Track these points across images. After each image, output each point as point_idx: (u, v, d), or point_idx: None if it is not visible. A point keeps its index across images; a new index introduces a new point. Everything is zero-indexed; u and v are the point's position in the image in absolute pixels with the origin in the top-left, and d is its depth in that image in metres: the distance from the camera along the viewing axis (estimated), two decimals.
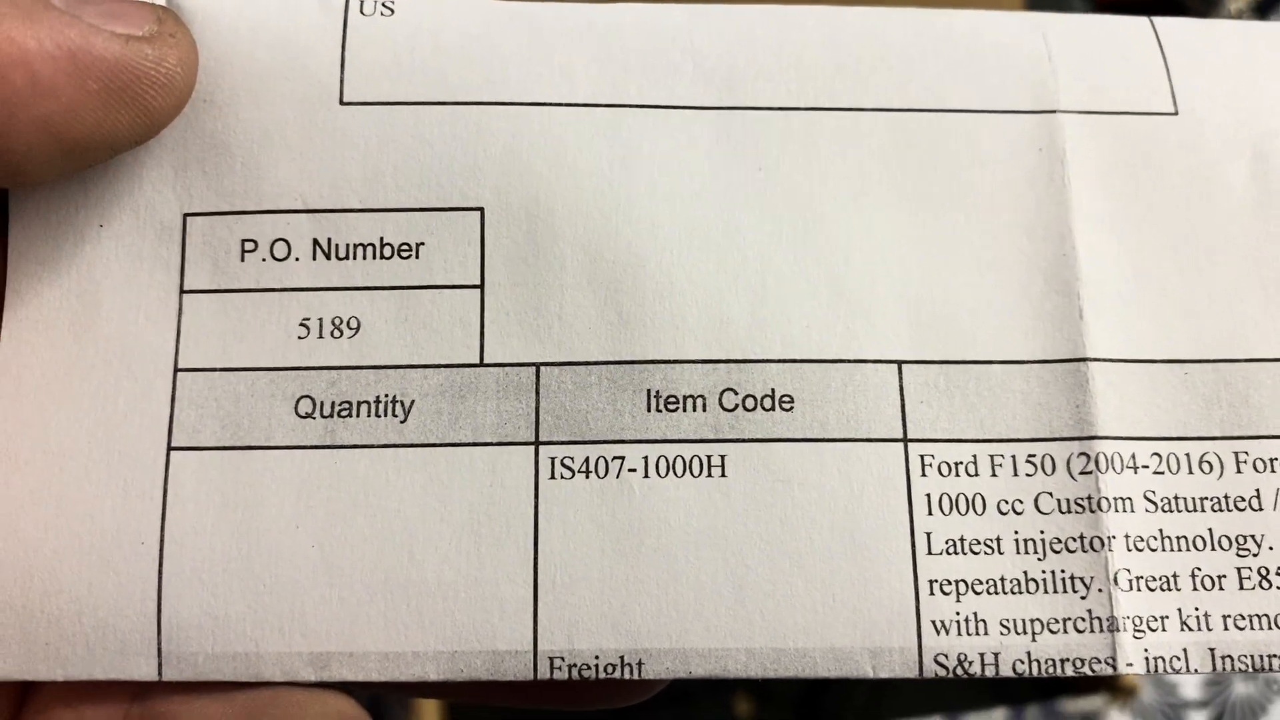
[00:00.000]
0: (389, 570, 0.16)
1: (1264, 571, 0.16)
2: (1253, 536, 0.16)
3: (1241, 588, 0.16)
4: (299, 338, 0.16)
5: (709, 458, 0.16)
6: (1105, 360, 0.16)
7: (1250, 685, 0.50)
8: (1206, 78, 0.18)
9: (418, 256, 0.17)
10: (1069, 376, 0.16)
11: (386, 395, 0.16)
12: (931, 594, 0.16)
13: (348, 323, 0.16)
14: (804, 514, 0.16)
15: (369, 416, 0.16)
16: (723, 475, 0.16)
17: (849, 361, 0.16)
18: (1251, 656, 0.16)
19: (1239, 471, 0.16)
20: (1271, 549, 0.16)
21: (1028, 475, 0.16)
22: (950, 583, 0.16)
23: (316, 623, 0.16)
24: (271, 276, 0.17)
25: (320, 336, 0.16)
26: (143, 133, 0.16)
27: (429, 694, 0.17)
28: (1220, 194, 0.17)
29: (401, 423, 0.16)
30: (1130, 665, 0.16)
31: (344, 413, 0.16)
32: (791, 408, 0.16)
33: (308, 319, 0.16)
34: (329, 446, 0.16)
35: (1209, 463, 0.16)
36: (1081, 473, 0.16)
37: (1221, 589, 0.16)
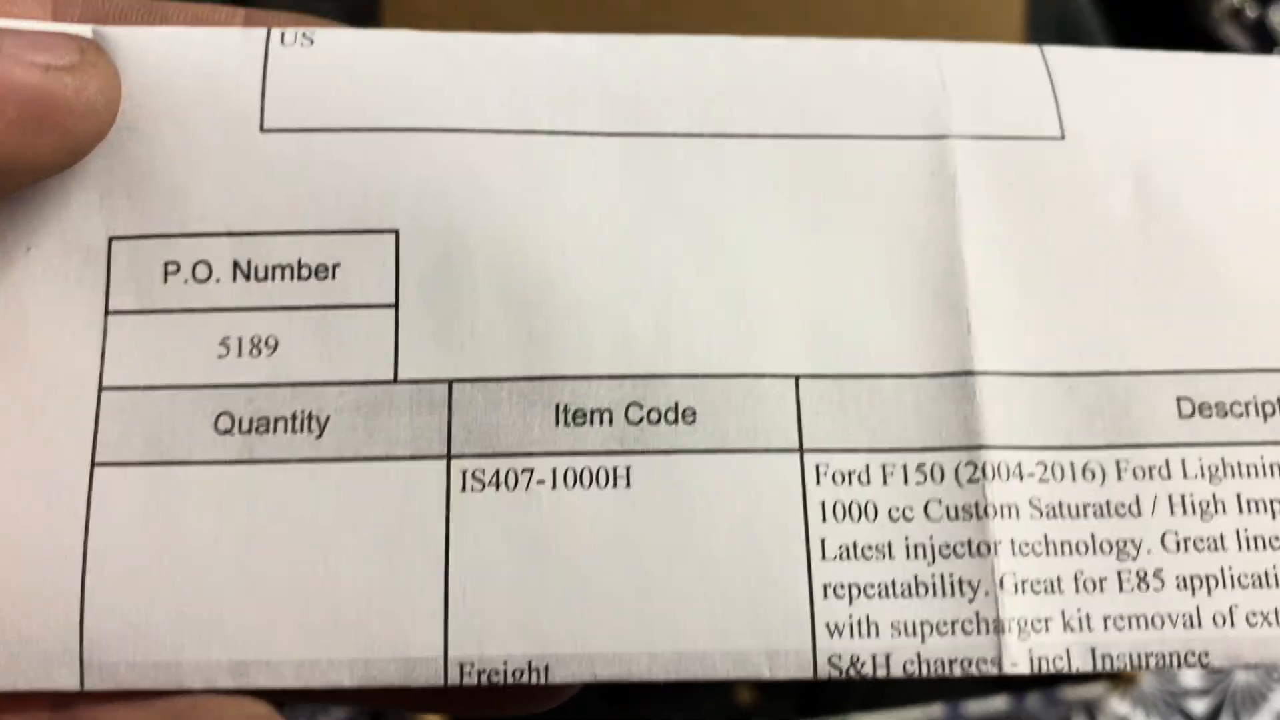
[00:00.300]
0: (305, 580, 0.16)
1: (1142, 574, 0.17)
2: (1132, 541, 0.17)
3: (1121, 590, 0.17)
4: (219, 356, 0.17)
5: (615, 469, 0.17)
6: (992, 374, 0.17)
7: (1251, 674, 0.50)
8: (1092, 103, 0.19)
9: (334, 277, 0.17)
10: (957, 389, 0.17)
11: (303, 411, 0.17)
12: (825, 598, 0.16)
13: (266, 341, 0.17)
14: (705, 522, 0.17)
15: (286, 432, 0.17)
16: (628, 486, 0.17)
17: (749, 376, 0.17)
18: (1131, 655, 0.16)
19: (1120, 479, 0.17)
20: (1150, 553, 0.17)
21: (918, 483, 0.17)
22: (844, 587, 0.16)
23: (235, 631, 0.16)
24: (193, 297, 0.17)
25: (239, 355, 0.17)
26: (65, 159, 0.16)
27: (347, 701, 0.17)
28: (1103, 215, 0.18)
29: (317, 438, 0.17)
30: (1015, 665, 0.16)
31: (262, 429, 0.17)
32: (694, 420, 0.17)
33: (228, 338, 0.17)
34: (247, 461, 0.17)
35: (1091, 471, 0.17)
36: (969, 481, 0.17)
37: (1102, 591, 0.17)
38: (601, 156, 0.18)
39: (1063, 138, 0.18)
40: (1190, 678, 0.50)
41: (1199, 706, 0.48)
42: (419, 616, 0.16)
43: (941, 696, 0.42)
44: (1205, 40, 0.52)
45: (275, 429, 0.17)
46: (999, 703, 0.43)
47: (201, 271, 0.17)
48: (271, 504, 0.16)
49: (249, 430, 0.17)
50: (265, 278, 0.17)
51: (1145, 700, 0.47)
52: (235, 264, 0.17)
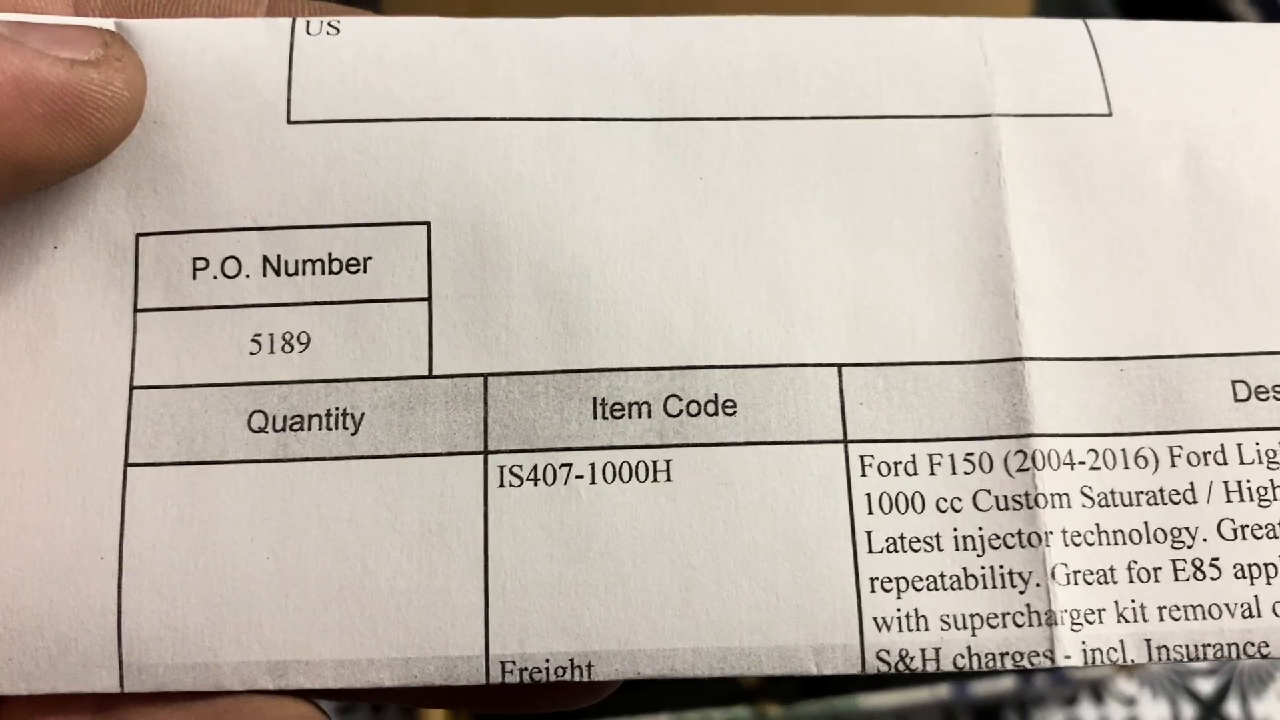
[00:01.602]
0: (343, 580, 0.16)
1: (1198, 563, 0.16)
2: (1187, 529, 0.16)
3: (1176, 579, 0.16)
4: (251, 353, 0.17)
5: (654, 463, 0.16)
6: (1041, 359, 0.17)
7: None
8: (1140, 78, 0.18)
9: (365, 271, 0.17)
10: (1005, 376, 0.17)
11: (337, 408, 0.16)
12: (873, 591, 0.16)
13: (298, 338, 0.17)
14: (747, 515, 0.16)
15: (320, 429, 0.16)
16: (668, 480, 0.16)
17: (789, 366, 0.17)
18: (1187, 646, 0.16)
19: (1174, 466, 0.17)
20: (1205, 541, 0.16)
21: (966, 473, 0.16)
22: (891, 580, 0.16)
23: (273, 632, 0.16)
24: (223, 294, 0.17)
25: (271, 352, 0.17)
26: (92, 155, 0.16)
27: (387, 699, 0.17)
28: (1153, 192, 0.17)
29: (352, 435, 0.16)
30: (1069, 658, 0.16)
31: (296, 426, 0.16)
32: (734, 412, 0.17)
33: (259, 335, 0.17)
34: (282, 460, 0.16)
35: (1144, 458, 0.17)
36: (1019, 470, 0.16)
37: (1157, 581, 0.16)
38: (635, 143, 0.17)
39: (1110, 114, 0.18)
40: None
41: (1206, 686, 0.47)
42: (459, 614, 0.16)
43: (948, 678, 0.42)
44: (1214, 13, 0.51)
45: (310, 426, 0.16)
46: (1006, 683, 0.42)
47: (231, 267, 0.17)
48: (307, 503, 0.16)
49: (283, 428, 0.16)
50: (296, 272, 0.17)
51: (1152, 680, 0.47)
52: (265, 259, 0.17)
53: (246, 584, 0.16)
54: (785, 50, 0.18)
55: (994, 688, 0.43)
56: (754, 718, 0.42)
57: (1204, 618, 0.16)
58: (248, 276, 0.17)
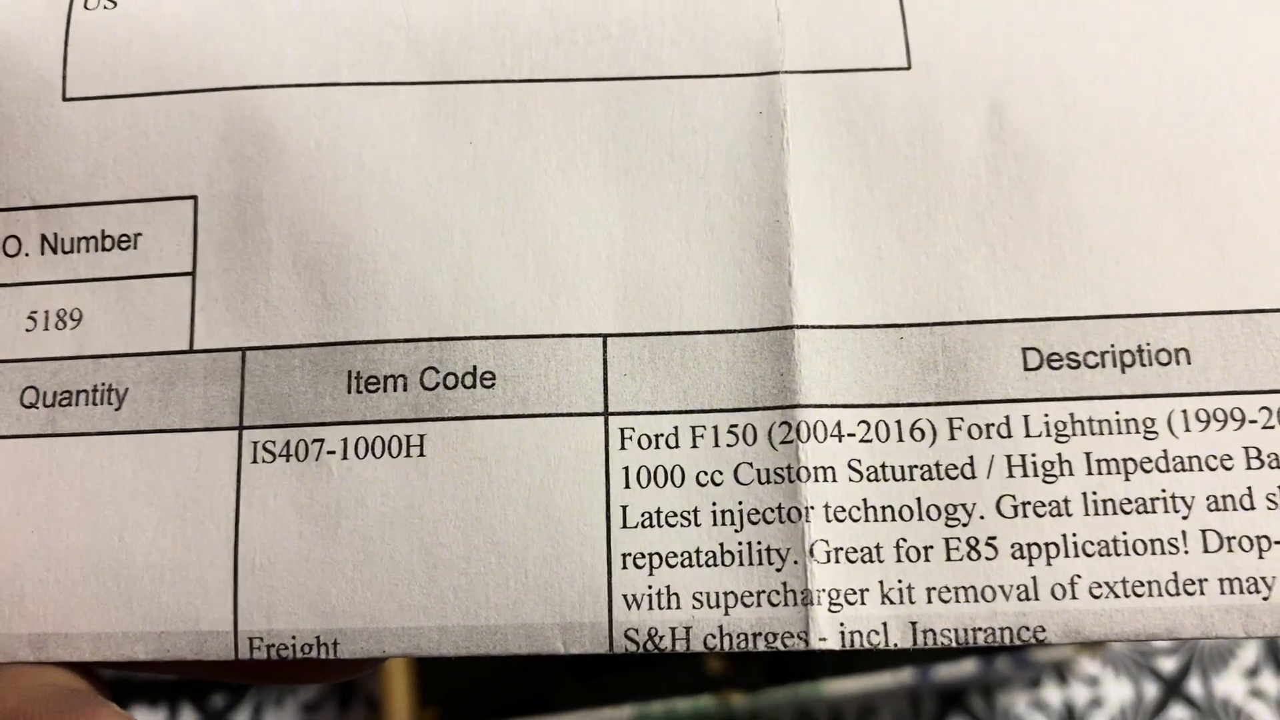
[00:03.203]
0: (101, 554, 0.16)
1: (973, 542, 0.15)
2: (963, 505, 0.15)
3: (949, 559, 0.15)
4: (27, 330, 0.17)
5: (408, 437, 0.16)
6: (813, 327, 0.16)
7: None
8: (947, 29, 0.17)
9: (136, 247, 0.17)
10: (775, 345, 0.16)
11: (104, 384, 0.17)
12: (624, 568, 0.15)
13: (71, 314, 0.17)
14: (500, 491, 0.16)
15: (87, 405, 0.16)
16: (421, 455, 0.16)
17: (552, 336, 0.16)
18: (955, 630, 0.15)
19: (952, 438, 0.16)
20: (983, 519, 0.15)
21: (729, 445, 0.16)
22: (644, 556, 0.15)
23: (35, 605, 0.16)
24: (3, 273, 0.17)
25: (46, 329, 0.17)
26: None
27: (144, 670, 0.17)
28: (948, 150, 0.16)
29: (116, 410, 0.16)
30: (824, 640, 0.15)
31: (65, 402, 0.17)
32: (493, 384, 0.16)
33: (35, 312, 0.17)
34: (50, 435, 0.16)
35: (920, 429, 0.16)
36: (782, 442, 0.16)
37: (927, 560, 0.15)
38: (405, 108, 0.17)
39: (909, 68, 0.17)
40: None
41: (1169, 665, 0.46)
42: (209, 590, 0.16)
43: (911, 661, 0.41)
44: None
45: (78, 402, 0.17)
46: (969, 666, 0.41)
47: (11, 246, 0.17)
48: (71, 477, 0.16)
49: (53, 404, 0.17)
50: (71, 250, 0.17)
51: (1115, 660, 0.46)
52: (43, 237, 0.17)
53: (11, 557, 0.16)
54: (566, 10, 0.17)
55: (957, 671, 0.41)
56: (719, 707, 0.41)
57: (976, 600, 0.15)
58: (27, 255, 0.17)
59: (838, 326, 0.16)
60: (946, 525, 0.15)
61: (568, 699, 0.42)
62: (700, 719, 0.41)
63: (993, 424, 0.16)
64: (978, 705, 0.45)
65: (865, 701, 0.44)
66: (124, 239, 0.17)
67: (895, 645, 0.15)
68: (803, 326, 0.16)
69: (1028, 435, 0.16)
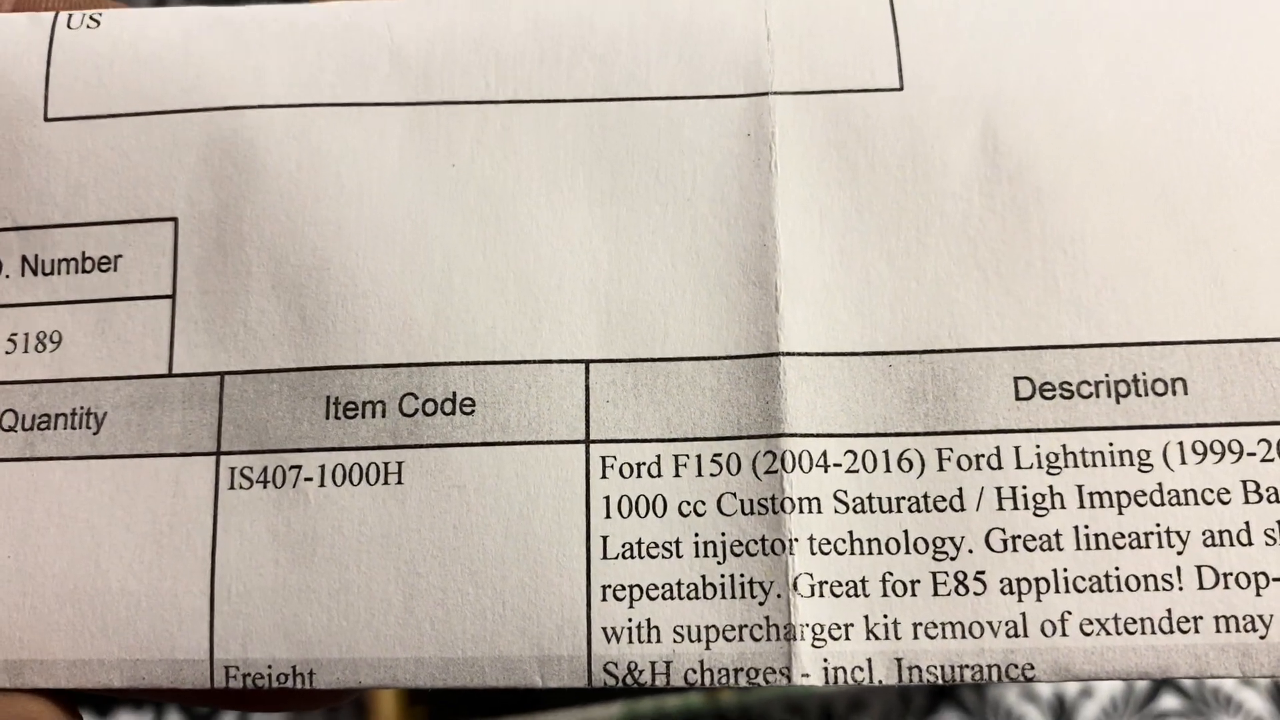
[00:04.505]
0: (78, 580, 0.16)
1: (961, 576, 0.15)
2: (952, 539, 0.15)
3: (936, 593, 0.15)
4: (7, 353, 0.17)
5: (385, 465, 0.16)
6: (799, 354, 0.16)
7: None
8: (940, 49, 0.17)
9: (116, 269, 0.17)
10: (760, 372, 0.16)
11: (82, 408, 0.16)
12: (604, 600, 0.15)
13: (50, 337, 0.17)
14: (478, 519, 0.15)
15: (65, 429, 0.16)
16: (399, 482, 0.16)
17: (533, 362, 0.16)
18: (941, 667, 0.15)
19: (941, 469, 0.15)
20: (971, 552, 0.15)
21: (712, 475, 0.15)
22: (624, 588, 0.15)
23: (11, 630, 0.16)
24: None
25: (25, 351, 0.17)
26: None
27: (122, 697, 0.17)
28: (940, 173, 0.16)
29: (94, 434, 0.16)
30: (806, 676, 0.15)
31: (43, 425, 0.16)
32: (473, 411, 0.16)
33: (15, 334, 0.17)
34: (28, 459, 0.16)
35: (909, 460, 0.15)
36: (766, 472, 0.15)
37: (914, 595, 0.15)
38: (387, 129, 0.17)
39: (901, 88, 0.16)
40: None
41: None
42: (185, 618, 0.16)
43: None
44: None
45: (56, 425, 0.16)
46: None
47: None
48: (49, 502, 0.16)
49: (31, 427, 0.16)
50: (51, 272, 0.17)
51: None
52: (24, 259, 0.17)
53: None
54: (552, 30, 0.17)
55: None
56: (708, 704, 0.41)
57: (963, 636, 0.15)
58: (7, 277, 0.17)
59: (825, 354, 0.16)
60: (934, 559, 0.15)
61: (557, 697, 0.42)
62: (690, 716, 0.41)
63: (983, 455, 0.15)
64: (969, 698, 0.45)
65: (855, 696, 0.44)
66: (104, 261, 0.17)
67: (880, 682, 0.15)
68: (789, 354, 0.16)
69: (1018, 467, 0.15)
